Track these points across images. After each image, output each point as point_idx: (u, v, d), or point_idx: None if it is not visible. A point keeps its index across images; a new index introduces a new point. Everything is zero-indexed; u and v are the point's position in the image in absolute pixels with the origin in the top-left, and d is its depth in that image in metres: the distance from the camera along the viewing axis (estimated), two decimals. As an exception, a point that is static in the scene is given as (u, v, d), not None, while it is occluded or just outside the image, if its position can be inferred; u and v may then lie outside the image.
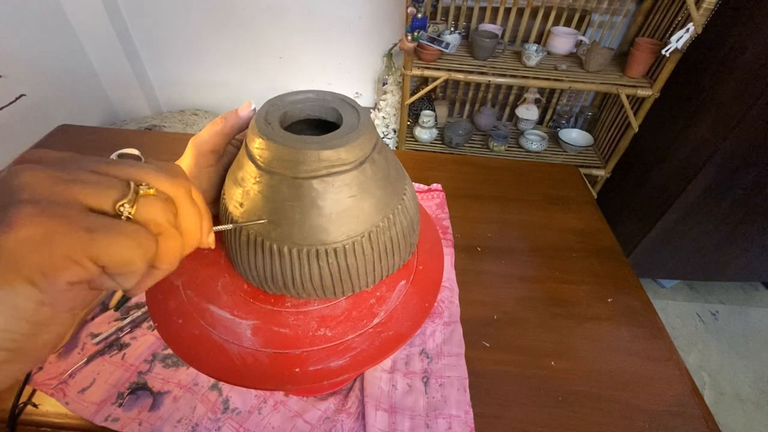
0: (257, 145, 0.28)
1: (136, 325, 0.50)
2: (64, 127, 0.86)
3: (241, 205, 0.30)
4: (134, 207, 0.18)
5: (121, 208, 0.17)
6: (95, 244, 0.16)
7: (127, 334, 0.49)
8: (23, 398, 0.42)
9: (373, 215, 0.31)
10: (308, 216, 0.29)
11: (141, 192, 0.18)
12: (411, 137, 1.52)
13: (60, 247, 0.15)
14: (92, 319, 0.50)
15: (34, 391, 0.43)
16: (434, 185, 0.73)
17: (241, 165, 0.30)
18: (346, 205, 0.29)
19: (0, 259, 0.15)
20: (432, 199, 0.71)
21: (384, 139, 1.54)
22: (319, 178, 0.28)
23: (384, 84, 1.60)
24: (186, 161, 0.32)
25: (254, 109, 0.33)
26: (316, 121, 0.35)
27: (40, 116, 1.32)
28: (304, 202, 0.28)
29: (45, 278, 0.15)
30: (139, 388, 0.44)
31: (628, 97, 1.22)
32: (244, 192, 0.30)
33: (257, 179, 0.29)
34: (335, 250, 0.30)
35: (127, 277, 0.18)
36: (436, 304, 0.53)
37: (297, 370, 0.31)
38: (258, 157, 0.29)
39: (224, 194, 0.33)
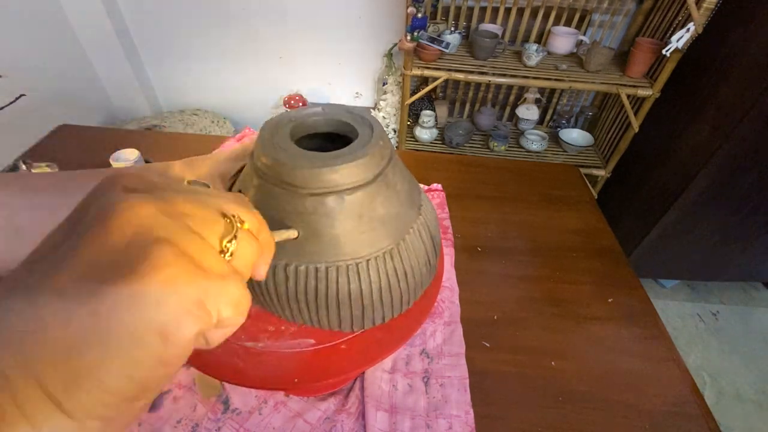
0: (264, 160, 0.27)
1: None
2: (64, 126, 0.86)
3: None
4: (234, 244, 0.16)
5: (228, 245, 0.16)
6: (226, 290, 0.15)
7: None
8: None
9: (385, 236, 0.29)
10: (318, 234, 0.27)
11: (238, 227, 0.17)
12: (411, 137, 1.52)
13: (196, 291, 0.14)
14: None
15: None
16: (434, 185, 0.73)
17: (248, 180, 0.29)
18: (356, 223, 0.27)
19: (138, 303, 0.13)
20: (432, 199, 0.71)
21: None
22: (329, 195, 0.26)
23: (384, 84, 1.60)
24: (202, 168, 0.32)
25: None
26: (329, 136, 0.33)
27: (40, 116, 1.32)
28: (311, 220, 0.27)
29: (177, 329, 0.13)
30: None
31: (628, 97, 1.22)
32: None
33: (263, 194, 0.28)
34: (348, 267, 0.28)
35: (233, 326, 0.16)
36: (436, 304, 0.53)
37: (298, 369, 0.31)
38: (265, 172, 0.27)
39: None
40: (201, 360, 0.31)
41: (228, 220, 0.17)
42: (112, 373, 0.12)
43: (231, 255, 0.16)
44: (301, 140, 0.31)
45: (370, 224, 0.28)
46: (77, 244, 0.13)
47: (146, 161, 0.72)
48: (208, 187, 0.18)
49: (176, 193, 0.16)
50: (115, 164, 0.67)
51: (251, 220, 0.18)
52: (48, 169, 0.63)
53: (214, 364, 0.31)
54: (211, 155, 0.34)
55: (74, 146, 0.81)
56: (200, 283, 0.14)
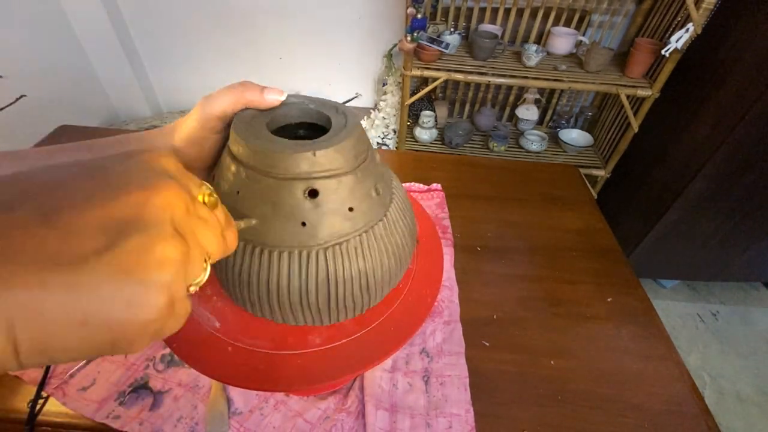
0: (239, 146, 0.28)
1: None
2: (65, 127, 0.86)
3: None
4: (198, 283, 0.18)
5: (193, 287, 0.18)
6: (170, 331, 0.17)
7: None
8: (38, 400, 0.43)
9: (359, 221, 0.29)
10: (291, 220, 0.28)
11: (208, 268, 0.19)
12: (411, 137, 1.52)
13: (156, 330, 0.16)
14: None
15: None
16: (434, 185, 0.74)
17: (225, 165, 0.29)
18: (332, 209, 0.28)
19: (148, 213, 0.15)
20: (432, 199, 0.71)
21: (384, 140, 1.54)
22: (303, 180, 0.27)
23: (384, 84, 1.60)
24: (190, 122, 0.30)
25: (283, 100, 0.31)
26: (304, 126, 0.34)
27: (41, 117, 1.32)
28: (285, 205, 0.27)
29: (116, 348, 0.15)
30: (140, 387, 0.44)
31: (627, 97, 1.22)
32: (225, 193, 0.29)
33: (239, 179, 0.28)
34: (324, 251, 0.28)
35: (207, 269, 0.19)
36: (436, 303, 0.54)
37: (298, 370, 0.31)
38: (241, 159, 0.28)
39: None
40: (200, 360, 0.31)
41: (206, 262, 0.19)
42: (66, 340, 0.14)
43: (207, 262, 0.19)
44: (277, 131, 0.32)
45: (344, 211, 0.29)
46: (111, 195, 0.15)
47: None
48: (218, 202, 0.21)
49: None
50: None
51: (218, 257, 0.20)
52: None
53: (217, 365, 0.31)
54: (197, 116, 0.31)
55: (74, 146, 0.81)
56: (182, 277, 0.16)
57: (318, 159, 0.27)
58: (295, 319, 0.31)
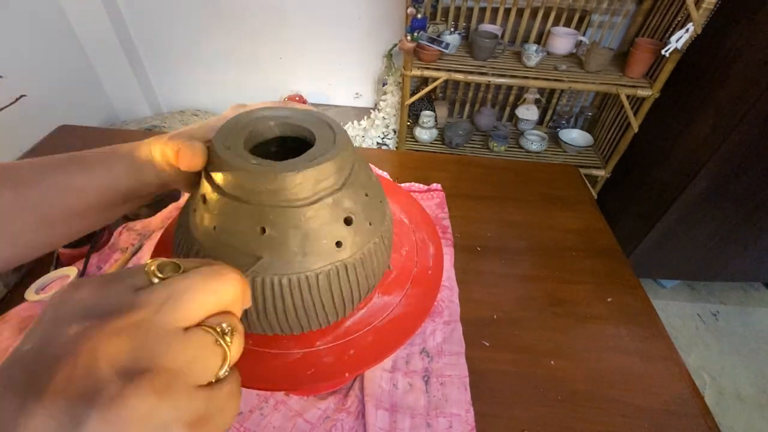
0: (217, 168, 0.26)
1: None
2: (64, 127, 0.86)
3: (197, 228, 0.28)
4: (227, 366, 0.16)
5: (222, 373, 0.16)
6: (228, 420, 0.16)
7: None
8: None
9: (348, 249, 0.28)
10: (274, 245, 0.26)
11: (229, 341, 0.16)
12: (411, 137, 1.52)
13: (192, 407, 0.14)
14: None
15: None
16: (434, 185, 0.74)
17: (202, 187, 0.28)
18: (315, 235, 0.27)
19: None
20: (432, 199, 0.71)
21: (384, 140, 1.54)
22: (283, 209, 0.25)
23: (384, 84, 1.60)
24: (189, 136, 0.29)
25: None
26: (288, 141, 0.32)
27: (40, 117, 1.32)
28: (269, 230, 0.26)
29: None
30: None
31: (627, 97, 1.22)
32: (201, 215, 0.28)
33: (215, 204, 0.27)
34: (298, 281, 0.27)
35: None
36: (436, 303, 0.54)
37: (298, 370, 0.31)
38: (217, 181, 0.26)
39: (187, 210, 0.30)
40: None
41: (223, 348, 0.16)
42: None
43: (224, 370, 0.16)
44: (257, 147, 0.30)
45: (330, 233, 0.27)
46: (47, 376, 0.13)
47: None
48: (179, 268, 0.17)
49: (155, 339, 0.14)
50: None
51: (239, 308, 0.18)
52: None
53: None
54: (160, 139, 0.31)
55: (74, 147, 0.80)
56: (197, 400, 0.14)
57: (298, 181, 0.25)
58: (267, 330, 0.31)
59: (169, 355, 0.14)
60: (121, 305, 0.14)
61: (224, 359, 0.16)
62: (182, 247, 0.29)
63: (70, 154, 0.31)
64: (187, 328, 0.15)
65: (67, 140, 0.83)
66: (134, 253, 0.57)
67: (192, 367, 0.14)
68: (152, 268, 0.16)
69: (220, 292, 0.16)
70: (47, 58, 1.38)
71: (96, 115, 1.63)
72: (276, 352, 0.32)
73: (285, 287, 0.27)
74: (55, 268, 0.53)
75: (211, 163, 0.27)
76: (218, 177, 0.26)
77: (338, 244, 0.28)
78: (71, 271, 0.53)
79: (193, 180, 0.30)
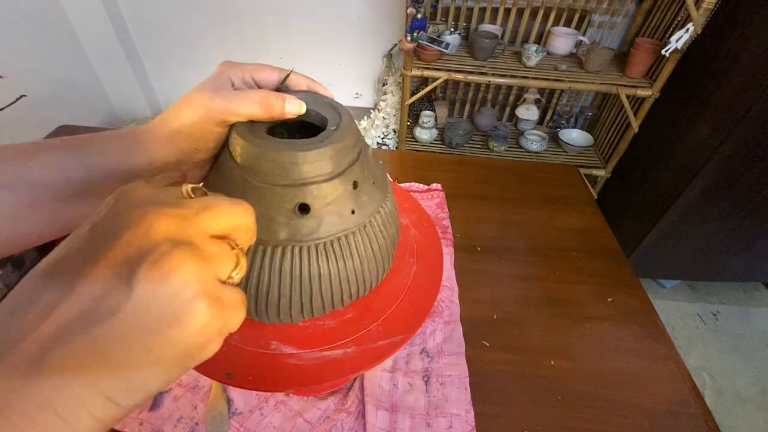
0: (240, 148, 0.28)
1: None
2: (64, 127, 0.86)
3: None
4: (238, 272, 0.19)
5: (235, 276, 0.19)
6: (235, 323, 0.18)
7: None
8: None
9: (330, 230, 0.30)
10: (284, 219, 0.28)
11: (240, 255, 0.19)
12: (411, 137, 1.52)
13: (218, 328, 0.17)
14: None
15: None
16: (434, 185, 0.74)
17: (222, 164, 0.30)
18: (324, 211, 0.29)
19: (173, 348, 0.16)
20: (432, 199, 0.71)
21: (384, 140, 1.54)
22: (299, 186, 0.27)
23: (384, 84, 1.60)
24: (195, 110, 0.28)
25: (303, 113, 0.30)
26: (299, 126, 0.34)
27: (41, 117, 1.32)
28: (282, 206, 0.28)
29: (195, 358, 0.17)
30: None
31: (628, 97, 1.22)
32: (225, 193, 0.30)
33: (236, 180, 0.28)
34: (309, 248, 0.29)
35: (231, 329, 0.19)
36: (436, 303, 0.54)
37: (298, 370, 0.31)
38: (238, 158, 0.28)
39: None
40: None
41: (235, 254, 0.19)
42: (155, 379, 0.16)
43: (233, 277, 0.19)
44: (278, 128, 0.32)
45: (338, 212, 0.29)
46: (106, 246, 0.16)
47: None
48: (206, 193, 0.20)
49: (195, 230, 0.18)
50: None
51: (249, 238, 0.21)
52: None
53: (217, 366, 0.31)
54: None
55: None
56: (222, 323, 0.17)
57: (310, 161, 0.27)
58: (280, 316, 0.31)
59: (203, 244, 0.17)
60: (170, 203, 0.18)
61: (237, 265, 0.19)
62: None
63: (76, 137, 0.29)
64: (211, 236, 0.19)
65: (67, 140, 0.83)
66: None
67: (216, 260, 0.18)
68: (188, 188, 0.20)
69: (240, 216, 0.20)
70: (47, 58, 1.38)
71: (96, 114, 1.63)
72: (275, 353, 0.32)
73: (305, 256, 0.29)
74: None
75: (233, 143, 0.29)
76: (240, 156, 0.28)
77: (352, 212, 0.30)
78: None
79: (202, 160, 0.31)
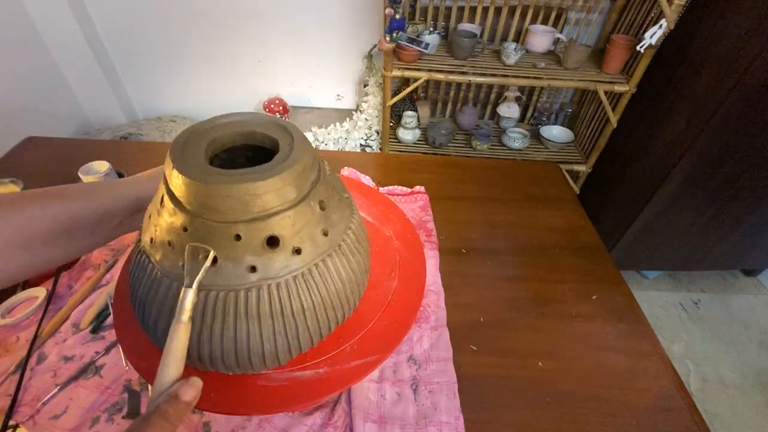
0: (174, 179, 0.26)
1: (111, 346, 0.48)
2: (32, 138, 0.82)
3: (152, 240, 0.28)
4: None
5: None
6: None
7: (102, 356, 0.47)
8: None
9: (305, 258, 0.27)
10: (230, 258, 0.26)
11: None
12: (394, 138, 1.52)
13: None
14: (65, 341, 0.47)
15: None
16: (417, 188, 0.73)
17: (158, 197, 0.28)
18: (295, 240, 0.26)
19: None
20: (415, 202, 0.71)
21: (368, 141, 1.53)
22: (243, 223, 0.25)
23: (365, 86, 1.59)
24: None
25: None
26: (249, 149, 0.31)
27: (7, 127, 1.27)
28: (249, 244, 0.25)
29: None
30: (115, 414, 0.42)
31: (605, 93, 1.24)
32: (156, 227, 0.27)
33: (171, 216, 0.26)
34: (278, 285, 0.26)
35: None
36: (422, 308, 0.53)
37: (266, 392, 0.30)
38: (175, 191, 0.26)
39: (143, 223, 0.30)
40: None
41: None
42: None
43: None
44: (217, 156, 0.30)
45: (286, 249, 0.27)
46: None
47: (118, 173, 0.69)
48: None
49: None
50: (85, 178, 0.64)
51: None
52: (12, 185, 0.60)
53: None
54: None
55: (42, 159, 0.78)
56: None
57: (259, 194, 0.24)
58: (253, 368, 0.29)
59: None
60: None
61: None
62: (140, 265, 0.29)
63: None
64: None
65: (35, 151, 0.80)
66: (108, 270, 0.55)
67: None
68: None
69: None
70: (14, 68, 1.32)
71: (68, 123, 1.57)
72: (252, 375, 0.31)
73: (240, 302, 0.26)
74: (23, 289, 0.51)
75: (170, 176, 0.26)
76: (177, 190, 0.26)
77: (324, 234, 0.28)
78: (39, 293, 0.50)
79: None
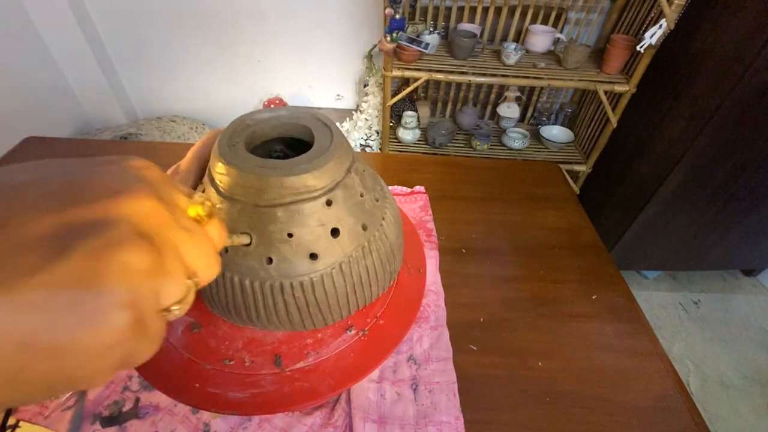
0: (218, 169, 0.27)
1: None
2: (31, 139, 0.82)
3: None
4: (180, 308, 0.17)
5: (174, 310, 0.17)
6: (143, 357, 0.15)
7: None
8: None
9: (346, 245, 0.29)
10: (272, 247, 0.27)
11: (191, 290, 0.17)
12: (394, 138, 1.52)
13: (122, 357, 0.14)
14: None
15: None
16: (417, 188, 0.73)
17: (204, 190, 0.29)
18: (314, 235, 0.27)
19: (116, 226, 0.13)
20: (415, 202, 0.71)
21: (368, 141, 1.53)
22: (284, 206, 0.26)
23: (365, 86, 1.59)
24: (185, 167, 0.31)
25: None
26: (288, 141, 0.33)
27: (6, 128, 1.27)
28: (266, 232, 0.26)
29: (67, 386, 0.13)
30: (120, 415, 0.42)
31: (605, 93, 1.24)
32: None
33: (218, 206, 0.27)
34: (302, 284, 0.28)
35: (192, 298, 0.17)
36: (422, 308, 0.53)
37: (281, 390, 0.30)
38: (219, 183, 0.27)
39: None
40: (179, 389, 0.30)
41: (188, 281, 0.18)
42: None
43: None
44: (260, 146, 0.31)
45: (326, 236, 0.28)
46: (73, 200, 0.14)
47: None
48: (212, 214, 0.20)
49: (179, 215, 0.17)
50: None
51: (208, 276, 0.19)
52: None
53: (196, 393, 0.29)
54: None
55: (43, 158, 0.77)
56: (172, 233, 0.16)
57: (292, 182, 0.26)
58: (274, 328, 0.31)
59: (167, 256, 0.15)
60: (168, 198, 0.17)
61: (183, 299, 0.17)
62: None
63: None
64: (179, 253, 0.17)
65: (35, 152, 0.80)
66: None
67: (168, 279, 0.15)
68: (204, 199, 0.19)
69: (215, 257, 0.19)
70: (14, 69, 1.32)
71: (67, 124, 1.57)
72: (254, 373, 0.31)
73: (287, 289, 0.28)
74: None
75: (215, 165, 0.27)
76: (219, 178, 0.27)
77: (324, 248, 0.28)
78: None
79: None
